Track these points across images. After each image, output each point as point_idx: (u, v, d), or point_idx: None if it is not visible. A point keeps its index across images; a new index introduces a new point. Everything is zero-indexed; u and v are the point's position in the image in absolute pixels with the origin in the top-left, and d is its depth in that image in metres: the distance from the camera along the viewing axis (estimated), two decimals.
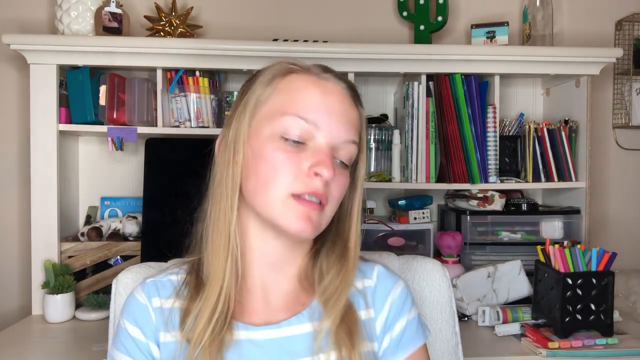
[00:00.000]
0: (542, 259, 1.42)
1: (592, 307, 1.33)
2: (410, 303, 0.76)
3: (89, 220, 1.80)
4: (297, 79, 0.69)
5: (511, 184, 1.77)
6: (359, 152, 0.72)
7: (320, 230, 0.68)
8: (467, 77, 1.73)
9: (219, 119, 1.73)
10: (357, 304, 0.73)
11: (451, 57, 1.70)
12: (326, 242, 0.74)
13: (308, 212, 0.65)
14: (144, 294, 0.71)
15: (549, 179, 1.78)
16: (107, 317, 1.48)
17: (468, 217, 1.72)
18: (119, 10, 1.66)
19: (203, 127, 1.68)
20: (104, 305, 1.57)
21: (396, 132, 1.78)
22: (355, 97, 0.73)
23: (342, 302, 0.69)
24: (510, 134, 1.86)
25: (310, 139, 0.66)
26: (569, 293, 1.32)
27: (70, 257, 1.63)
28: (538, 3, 1.87)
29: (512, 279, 1.56)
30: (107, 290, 1.61)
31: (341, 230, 0.74)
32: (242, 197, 0.70)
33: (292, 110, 0.66)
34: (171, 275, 0.74)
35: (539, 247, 1.43)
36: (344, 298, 0.70)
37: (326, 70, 0.72)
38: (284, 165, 0.65)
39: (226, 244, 0.68)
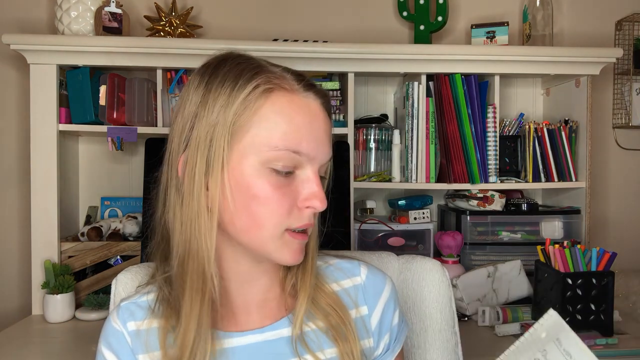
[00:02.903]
0: (542, 259, 1.42)
1: (592, 307, 1.33)
2: (397, 298, 0.77)
3: (89, 220, 1.80)
4: (280, 101, 0.62)
5: (511, 184, 1.77)
6: None
7: None
8: (467, 77, 1.73)
9: None
10: (347, 302, 0.73)
11: (451, 57, 1.70)
12: None
13: (301, 244, 0.65)
14: (119, 320, 0.69)
15: (549, 179, 1.78)
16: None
17: (468, 217, 1.72)
18: (119, 10, 1.66)
19: None
20: (104, 305, 1.57)
21: (396, 132, 1.78)
22: (329, 108, 0.69)
23: (304, 304, 0.68)
24: (510, 134, 1.86)
25: (299, 167, 0.64)
26: (569, 293, 1.32)
27: (70, 257, 1.63)
28: (538, 3, 1.87)
29: (512, 279, 1.56)
30: (107, 290, 1.61)
31: None
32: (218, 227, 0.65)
33: (283, 143, 0.61)
34: (144, 295, 0.71)
35: (539, 247, 1.43)
36: (305, 297, 0.69)
37: (306, 83, 0.66)
38: (280, 204, 0.62)
39: (201, 287, 0.63)
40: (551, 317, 0.60)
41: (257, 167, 0.61)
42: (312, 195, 0.63)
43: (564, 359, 0.55)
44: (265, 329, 0.69)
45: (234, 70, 0.63)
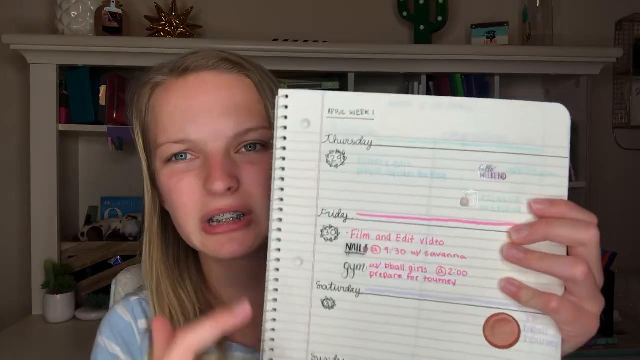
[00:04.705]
0: None
1: None
2: None
3: (89, 220, 1.80)
4: (159, 94, 0.59)
5: None
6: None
7: (260, 240, 0.57)
8: (467, 77, 1.73)
9: None
10: None
11: (451, 57, 1.70)
12: None
13: (229, 236, 0.55)
14: (129, 313, 0.64)
15: None
16: None
17: None
18: (119, 10, 1.66)
19: None
20: (104, 305, 1.57)
21: None
22: (233, 67, 0.58)
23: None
24: None
25: (198, 152, 0.56)
26: None
27: (70, 257, 1.63)
28: (538, 3, 1.87)
29: None
30: (107, 290, 1.61)
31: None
32: None
33: (164, 136, 0.56)
34: None
35: None
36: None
37: (182, 63, 0.58)
38: (181, 195, 0.56)
39: (159, 290, 0.61)
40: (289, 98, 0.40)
41: (159, 165, 0.58)
42: (207, 178, 0.54)
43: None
44: None
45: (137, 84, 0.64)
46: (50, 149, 1.60)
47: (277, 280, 0.41)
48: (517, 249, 0.37)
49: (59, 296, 1.53)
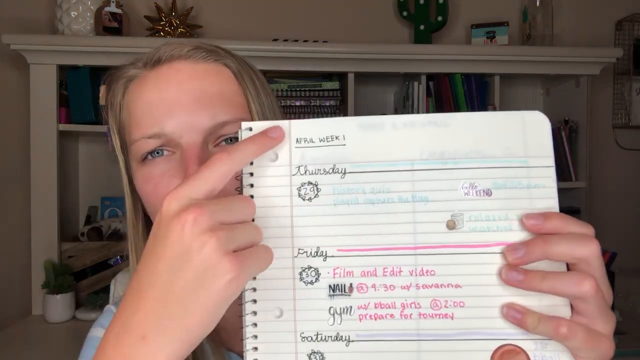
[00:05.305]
0: None
1: None
2: None
3: (89, 220, 1.80)
4: (133, 88, 0.55)
5: None
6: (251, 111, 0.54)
7: None
8: (467, 77, 1.73)
9: None
10: None
11: (451, 57, 1.70)
12: None
13: None
14: None
15: None
16: None
17: None
18: (119, 10, 1.66)
19: None
20: (104, 305, 1.57)
21: None
22: (208, 55, 0.54)
23: None
24: None
25: (174, 146, 0.51)
26: None
27: (70, 257, 1.63)
28: (538, 3, 1.87)
29: None
30: (107, 290, 1.61)
31: None
32: None
33: (138, 131, 0.52)
34: None
35: None
36: None
37: (155, 54, 0.56)
38: (158, 197, 0.51)
39: None
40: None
41: (135, 166, 0.54)
42: (184, 173, 0.50)
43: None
44: None
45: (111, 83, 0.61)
46: (50, 149, 1.60)
47: (255, 337, 0.36)
48: (517, 271, 0.34)
49: (59, 296, 1.53)
